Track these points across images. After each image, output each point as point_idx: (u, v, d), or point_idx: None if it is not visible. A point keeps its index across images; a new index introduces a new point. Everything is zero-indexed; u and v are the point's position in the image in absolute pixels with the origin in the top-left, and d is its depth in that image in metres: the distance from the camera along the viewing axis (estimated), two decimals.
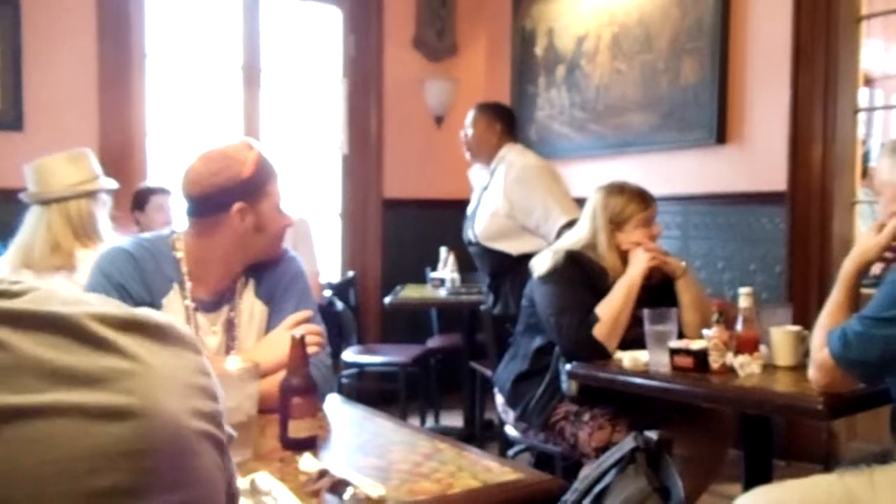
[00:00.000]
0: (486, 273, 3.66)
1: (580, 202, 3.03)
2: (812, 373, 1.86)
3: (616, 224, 2.56)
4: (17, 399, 0.53)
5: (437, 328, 4.84)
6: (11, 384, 0.54)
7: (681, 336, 2.30)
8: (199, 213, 1.74)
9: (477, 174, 3.78)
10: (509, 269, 3.48)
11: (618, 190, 2.61)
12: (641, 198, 2.59)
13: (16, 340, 0.55)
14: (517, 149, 3.63)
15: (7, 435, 0.53)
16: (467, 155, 3.70)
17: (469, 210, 3.75)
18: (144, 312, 0.63)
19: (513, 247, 3.50)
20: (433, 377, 4.48)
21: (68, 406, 0.55)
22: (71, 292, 0.63)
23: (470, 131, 3.63)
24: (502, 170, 3.52)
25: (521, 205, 3.43)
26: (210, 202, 1.71)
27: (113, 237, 2.54)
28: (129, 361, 0.59)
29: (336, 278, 4.71)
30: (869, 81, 3.83)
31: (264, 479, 1.20)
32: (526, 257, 3.37)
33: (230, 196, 1.70)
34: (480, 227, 3.56)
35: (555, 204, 3.40)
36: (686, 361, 2.14)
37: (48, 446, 0.53)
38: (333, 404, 1.77)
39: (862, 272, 1.91)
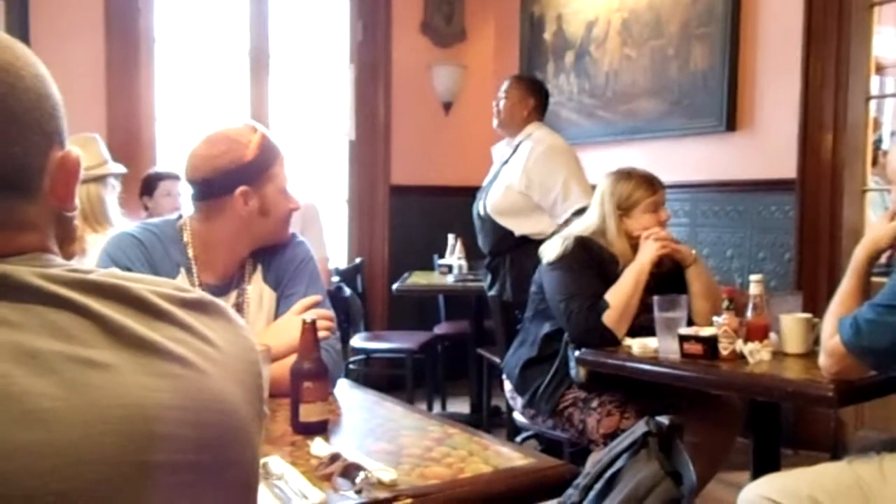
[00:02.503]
0: (487, 250, 3.63)
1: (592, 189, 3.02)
2: (823, 360, 1.85)
3: (624, 210, 2.56)
4: (86, 351, 0.59)
5: (444, 315, 4.84)
6: (82, 338, 0.60)
7: (690, 324, 2.29)
8: (202, 196, 1.74)
9: (500, 150, 3.75)
10: (509, 250, 3.47)
11: (625, 175, 2.61)
12: (649, 183, 2.58)
13: (89, 304, 0.62)
14: (545, 128, 3.60)
15: (69, 377, 0.58)
16: (495, 123, 3.65)
17: (485, 182, 3.72)
18: (200, 293, 0.70)
19: (517, 225, 3.47)
20: (440, 364, 4.48)
21: (130, 364, 0.60)
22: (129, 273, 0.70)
23: (503, 101, 3.59)
24: (527, 145, 3.48)
25: (541, 182, 3.40)
26: (213, 186, 1.70)
27: (122, 222, 2.54)
28: (186, 332, 0.65)
29: (343, 264, 4.71)
30: (880, 69, 3.79)
31: (276, 462, 1.20)
32: (525, 239, 3.38)
33: (233, 179, 1.69)
34: (493, 199, 3.52)
35: (575, 186, 3.38)
36: (695, 348, 2.13)
37: (103, 394, 0.59)
38: (343, 389, 1.77)
39: (873, 260, 1.90)
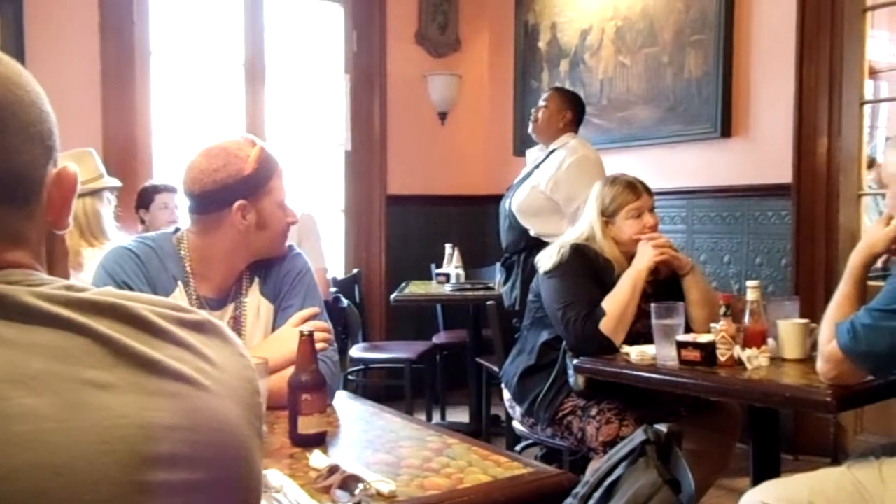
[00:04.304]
0: (505, 246, 3.75)
1: None
2: (820, 365, 1.85)
3: (607, 216, 2.56)
4: (86, 372, 0.59)
5: (442, 324, 4.84)
6: (81, 359, 0.60)
7: (688, 331, 2.29)
8: (200, 210, 1.73)
9: (533, 153, 3.88)
10: (524, 249, 3.57)
11: (610, 181, 2.62)
12: (631, 188, 2.58)
13: (88, 323, 0.61)
14: (581, 139, 3.71)
15: (69, 398, 0.58)
16: (530, 129, 3.78)
17: (515, 181, 3.82)
18: (197, 312, 0.69)
19: (534, 225, 3.58)
20: (439, 373, 4.48)
21: (130, 384, 0.60)
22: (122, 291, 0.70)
23: (542, 110, 3.72)
24: (561, 153, 3.60)
25: (568, 190, 3.50)
26: (211, 199, 1.70)
27: (118, 236, 2.54)
28: (186, 351, 0.65)
29: (341, 275, 4.71)
30: (874, 73, 3.81)
31: (275, 475, 1.20)
32: (539, 241, 3.46)
33: (231, 193, 1.69)
34: (518, 198, 3.64)
35: None
36: (693, 355, 2.13)
37: (104, 415, 0.58)
38: (341, 400, 1.77)
39: (869, 265, 1.91)
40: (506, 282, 3.69)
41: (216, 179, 1.68)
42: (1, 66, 0.67)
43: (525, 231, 3.60)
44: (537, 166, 3.69)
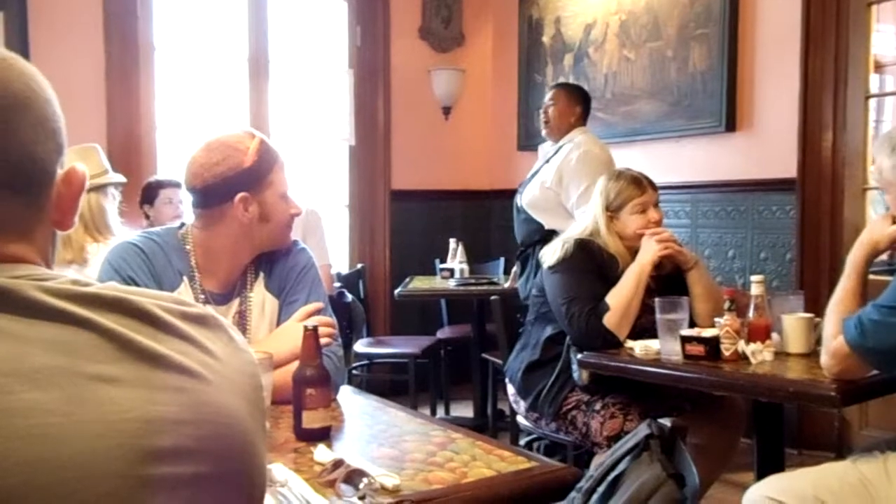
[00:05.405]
0: (519, 241, 3.78)
1: None
2: (825, 360, 1.85)
3: (612, 211, 2.56)
4: (91, 366, 0.60)
5: (446, 319, 4.84)
6: (87, 353, 0.60)
7: (692, 326, 2.29)
8: (202, 204, 1.74)
9: (545, 149, 3.91)
10: (539, 241, 3.59)
11: (616, 176, 2.62)
12: (637, 183, 2.57)
13: (93, 318, 0.62)
14: (589, 134, 3.73)
15: (74, 392, 0.58)
16: (543, 131, 3.80)
17: (527, 176, 3.85)
18: (200, 307, 0.70)
19: (548, 220, 3.61)
20: (443, 368, 4.48)
21: (135, 378, 0.61)
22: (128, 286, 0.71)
23: (551, 108, 3.73)
24: (568, 147, 3.62)
25: (567, 184, 3.53)
26: (212, 193, 1.70)
27: (123, 231, 2.54)
28: (190, 344, 0.65)
29: (345, 270, 4.71)
30: (879, 67, 3.79)
31: (279, 469, 1.20)
32: (554, 233, 3.49)
33: (232, 186, 1.69)
34: (529, 194, 3.67)
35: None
36: (698, 349, 2.13)
37: (108, 409, 0.59)
38: (346, 395, 1.78)
39: (871, 260, 1.90)
40: (521, 275, 3.71)
41: (216, 173, 1.68)
42: (19, 63, 0.69)
43: (538, 225, 3.62)
44: (547, 161, 3.70)
